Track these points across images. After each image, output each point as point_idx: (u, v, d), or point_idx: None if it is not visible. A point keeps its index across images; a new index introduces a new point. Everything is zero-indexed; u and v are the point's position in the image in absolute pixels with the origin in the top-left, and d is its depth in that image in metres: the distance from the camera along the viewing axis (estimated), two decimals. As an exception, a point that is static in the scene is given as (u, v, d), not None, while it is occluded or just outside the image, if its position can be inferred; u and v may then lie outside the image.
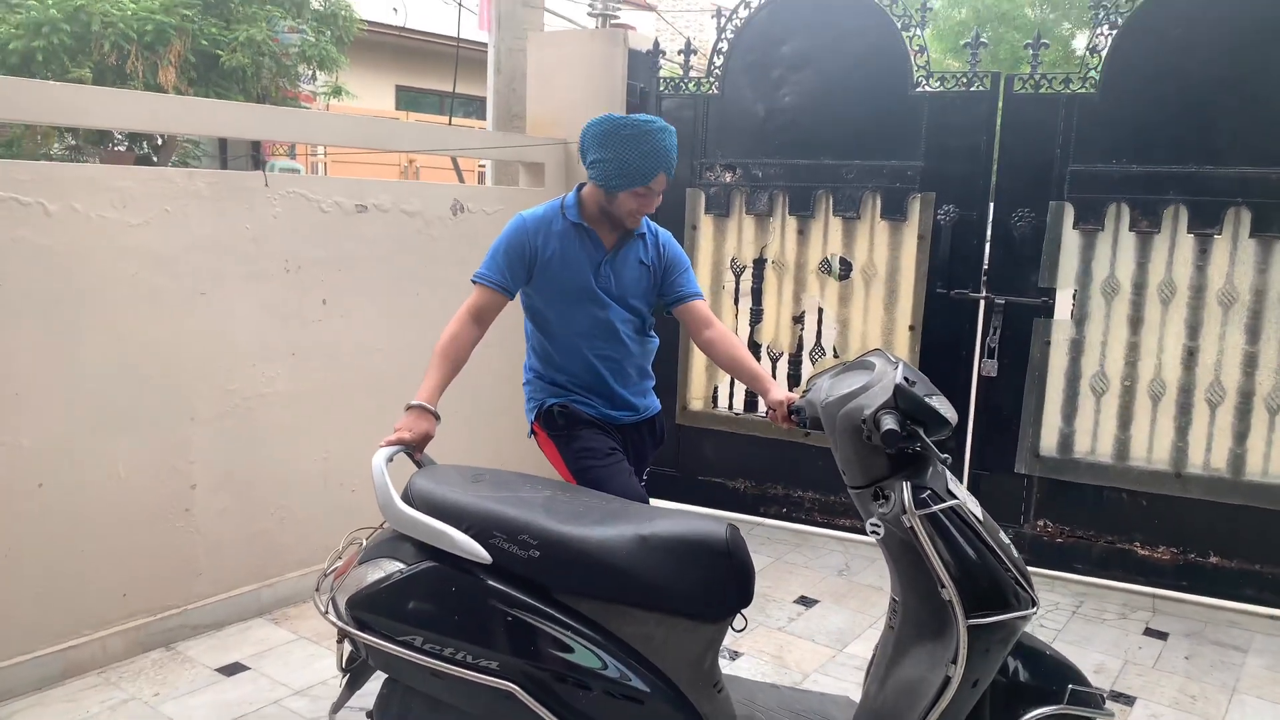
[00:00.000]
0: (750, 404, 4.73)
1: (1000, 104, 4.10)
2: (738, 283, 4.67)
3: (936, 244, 4.23)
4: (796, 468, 4.57)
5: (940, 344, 4.26)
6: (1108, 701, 3.14)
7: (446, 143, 4.45)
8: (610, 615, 2.07)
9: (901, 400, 2.03)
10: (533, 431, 2.86)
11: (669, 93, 4.70)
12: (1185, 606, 3.98)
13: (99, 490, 3.12)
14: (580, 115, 4.79)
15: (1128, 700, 3.24)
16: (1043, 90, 4.02)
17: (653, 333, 2.92)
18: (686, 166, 4.65)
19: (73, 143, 10.47)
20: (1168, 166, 3.82)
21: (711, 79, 4.59)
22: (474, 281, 2.71)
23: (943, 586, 2.04)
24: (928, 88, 4.20)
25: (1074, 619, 3.84)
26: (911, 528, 2.04)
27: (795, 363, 4.59)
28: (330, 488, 3.79)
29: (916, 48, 4.21)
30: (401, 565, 2.08)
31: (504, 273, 2.68)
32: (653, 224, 2.87)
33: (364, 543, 2.25)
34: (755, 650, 3.48)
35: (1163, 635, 3.74)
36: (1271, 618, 3.89)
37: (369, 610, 2.07)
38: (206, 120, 3.53)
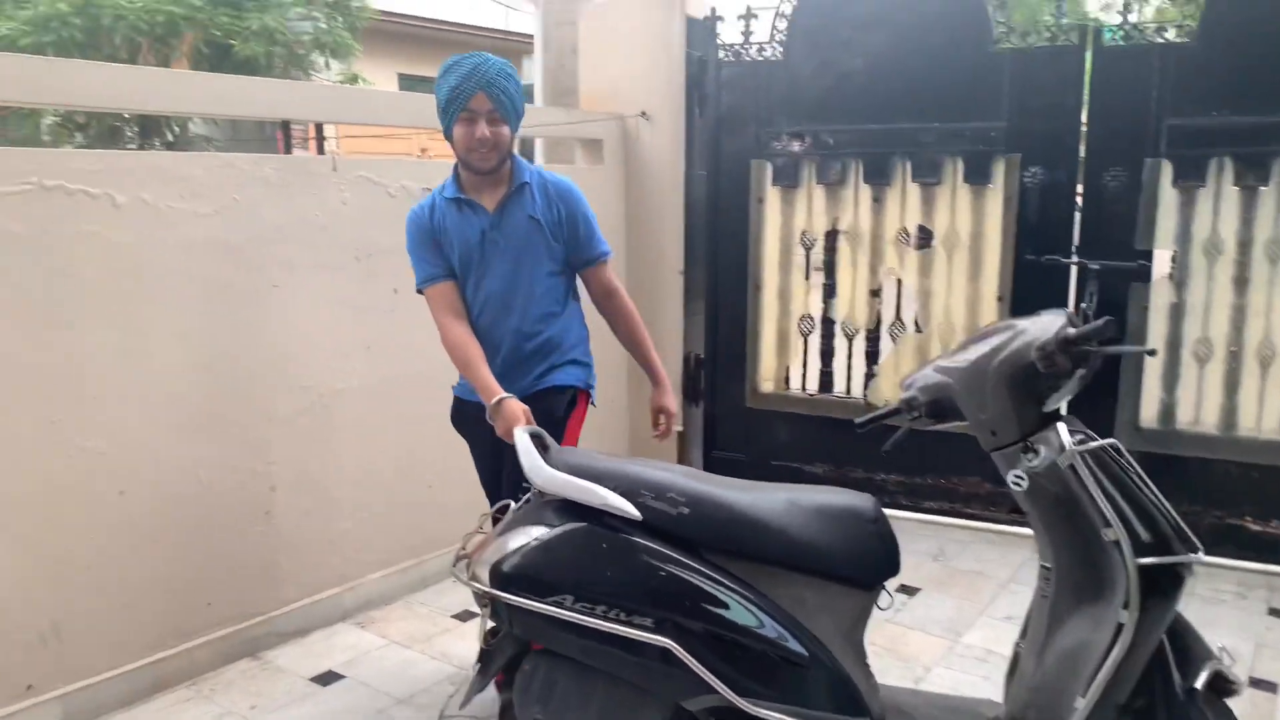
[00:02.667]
0: (826, 384, 4.55)
1: (1089, 58, 3.91)
2: (808, 256, 4.49)
3: (1024, 208, 4.04)
4: (878, 449, 4.39)
5: (1031, 313, 4.06)
6: (1248, 689, 3.01)
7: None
8: (761, 576, 2.05)
9: (1072, 321, 2.04)
10: None
11: (730, 60, 4.50)
12: (1305, 582, 3.81)
13: (181, 496, 2.96)
14: (638, 88, 4.67)
15: (1269, 687, 3.06)
16: (1135, 41, 3.83)
17: (568, 301, 2.65)
18: (751, 137, 4.47)
19: (83, 142, 10.28)
20: (1274, 116, 3.63)
21: (774, 44, 4.39)
22: (419, 291, 2.60)
23: (1108, 526, 1.95)
24: (1010, 44, 4.01)
25: (1191, 600, 3.65)
26: (1072, 466, 1.97)
27: (873, 339, 4.41)
28: (408, 484, 3.63)
29: (995, 2, 4.02)
30: (547, 529, 2.04)
31: (433, 264, 2.56)
32: (544, 172, 2.63)
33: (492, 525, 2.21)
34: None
35: (1287, 614, 3.58)
36: (1397, 589, 3.73)
37: (515, 576, 2.01)
38: (272, 101, 3.34)
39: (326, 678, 3.05)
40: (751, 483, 2.22)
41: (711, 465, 4.79)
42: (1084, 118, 3.98)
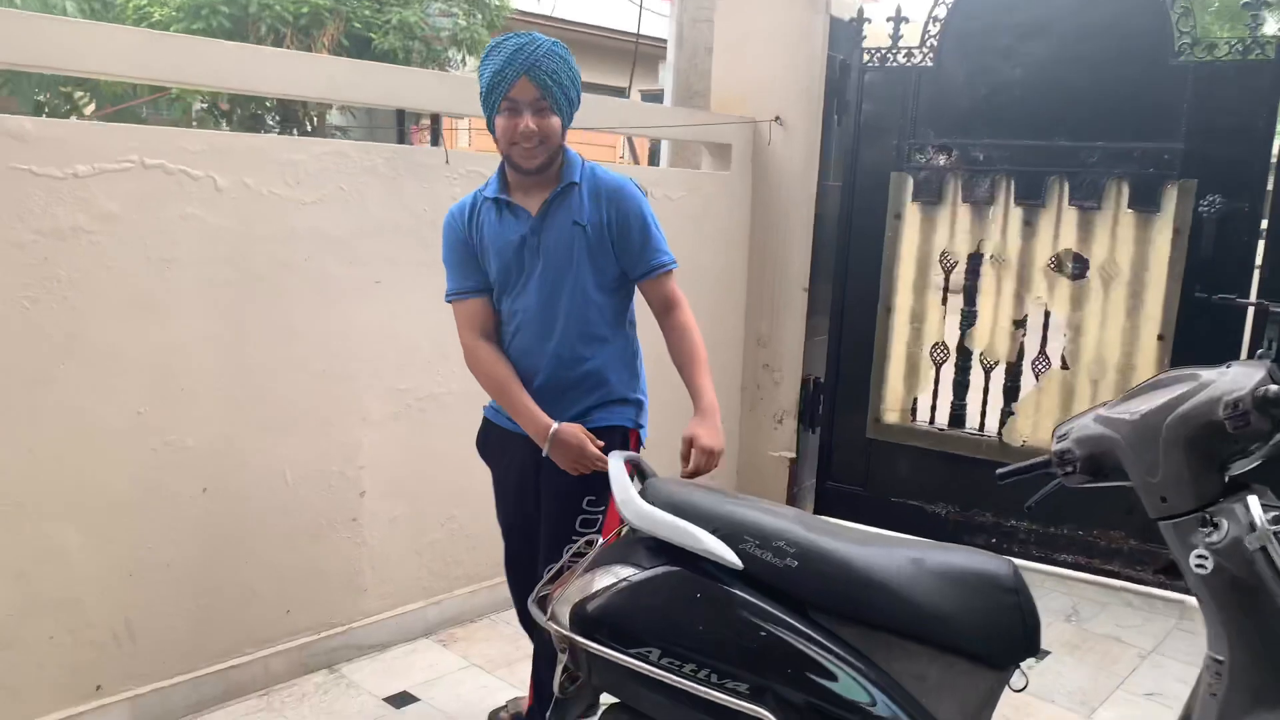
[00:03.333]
0: (957, 419, 4.18)
1: (1288, 75, 3.45)
2: (947, 280, 4.13)
3: (1196, 240, 3.60)
4: (1011, 494, 4.00)
5: (1197, 358, 3.61)
6: None
7: (628, 120, 4.06)
8: (876, 645, 1.78)
9: (1275, 378, 1.71)
10: None
11: (874, 65, 4.18)
12: None
13: (265, 496, 2.84)
14: (773, 91, 4.38)
15: None
16: (1348, 57, 3.36)
17: (620, 327, 2.32)
18: (892, 148, 4.14)
19: (226, 128, 10.61)
20: None
21: (925, 49, 4.05)
22: (448, 302, 2.35)
23: None
24: (1193, 57, 3.57)
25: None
26: (1263, 548, 1.67)
27: (1014, 374, 4.02)
28: (500, 497, 3.45)
29: (1180, 10, 3.59)
30: (636, 569, 1.81)
31: (466, 276, 2.31)
32: (598, 169, 2.30)
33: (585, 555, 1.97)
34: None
35: None
36: None
37: (597, 619, 1.79)
38: (385, 88, 3.20)
39: (401, 699, 2.89)
40: (871, 534, 1.95)
41: (826, 497, 4.47)
42: (1276, 144, 3.53)
